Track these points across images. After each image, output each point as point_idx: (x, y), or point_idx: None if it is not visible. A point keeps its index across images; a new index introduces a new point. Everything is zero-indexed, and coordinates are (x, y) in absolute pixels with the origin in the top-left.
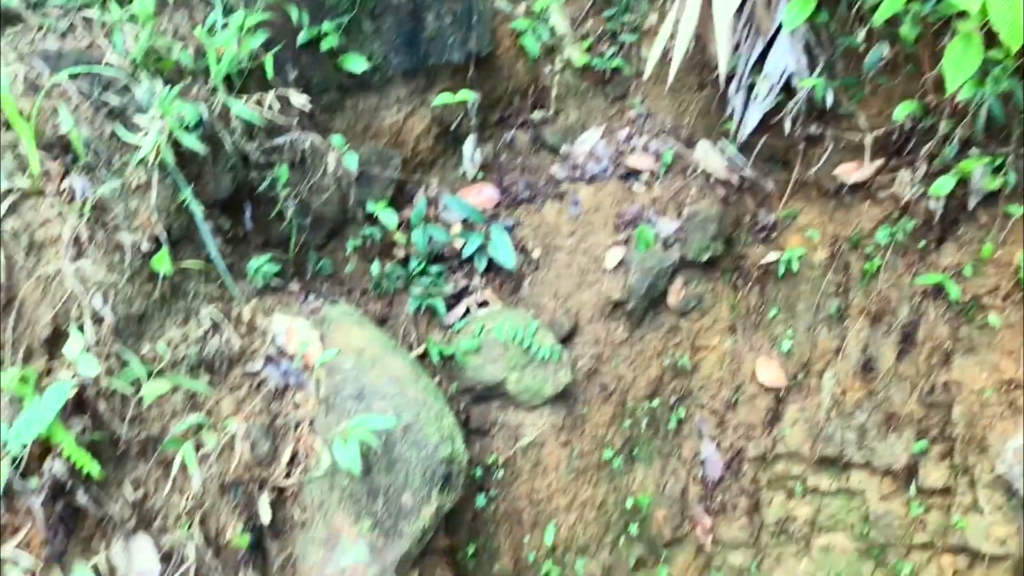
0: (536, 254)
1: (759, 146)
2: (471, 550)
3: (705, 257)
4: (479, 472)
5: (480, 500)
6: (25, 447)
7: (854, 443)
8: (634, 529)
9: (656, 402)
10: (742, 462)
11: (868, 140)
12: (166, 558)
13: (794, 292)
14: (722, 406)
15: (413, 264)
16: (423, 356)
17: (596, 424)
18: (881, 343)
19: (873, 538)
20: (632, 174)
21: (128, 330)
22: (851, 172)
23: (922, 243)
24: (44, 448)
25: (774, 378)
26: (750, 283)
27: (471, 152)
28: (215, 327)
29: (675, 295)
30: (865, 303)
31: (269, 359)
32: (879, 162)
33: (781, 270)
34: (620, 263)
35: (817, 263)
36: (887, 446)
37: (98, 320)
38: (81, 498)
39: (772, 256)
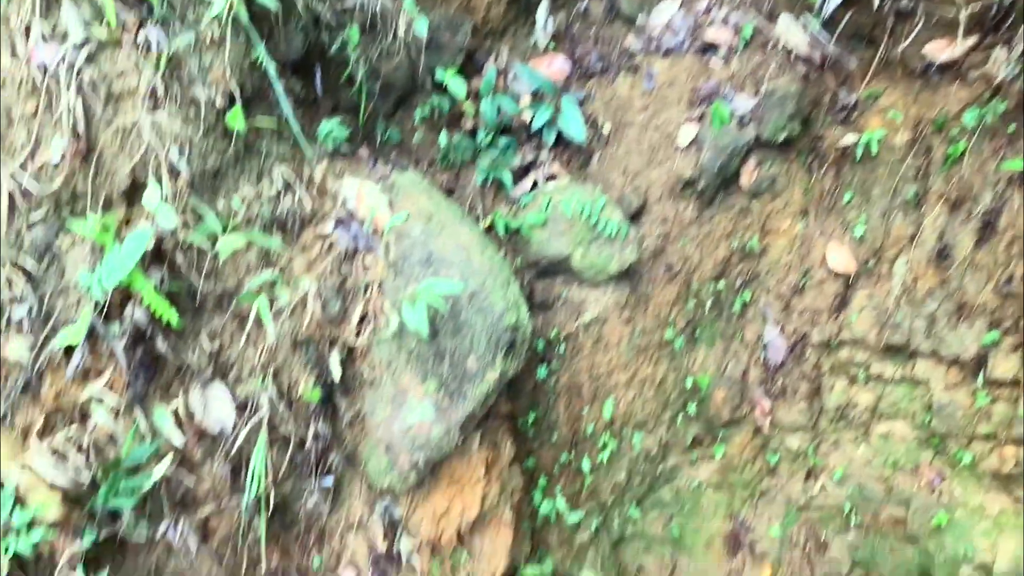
0: (606, 129)
1: (844, 21)
2: (531, 418)
3: (781, 137)
4: (541, 345)
5: (541, 372)
6: (107, 293)
7: (922, 331)
8: (692, 408)
9: (722, 284)
10: (805, 347)
11: (963, 15)
12: (241, 407)
13: (871, 176)
14: (789, 291)
15: (481, 135)
16: (489, 229)
17: (660, 303)
18: (959, 230)
19: (935, 427)
20: (710, 48)
21: (203, 185)
22: (941, 50)
23: (1012, 127)
24: (125, 296)
25: (844, 264)
26: (826, 166)
27: (543, 20)
28: (287, 187)
29: (748, 176)
30: (945, 189)
31: (339, 221)
32: (972, 39)
33: (859, 153)
34: (693, 141)
35: (897, 146)
36: (956, 336)
37: (175, 173)
38: (160, 345)
39: (851, 138)
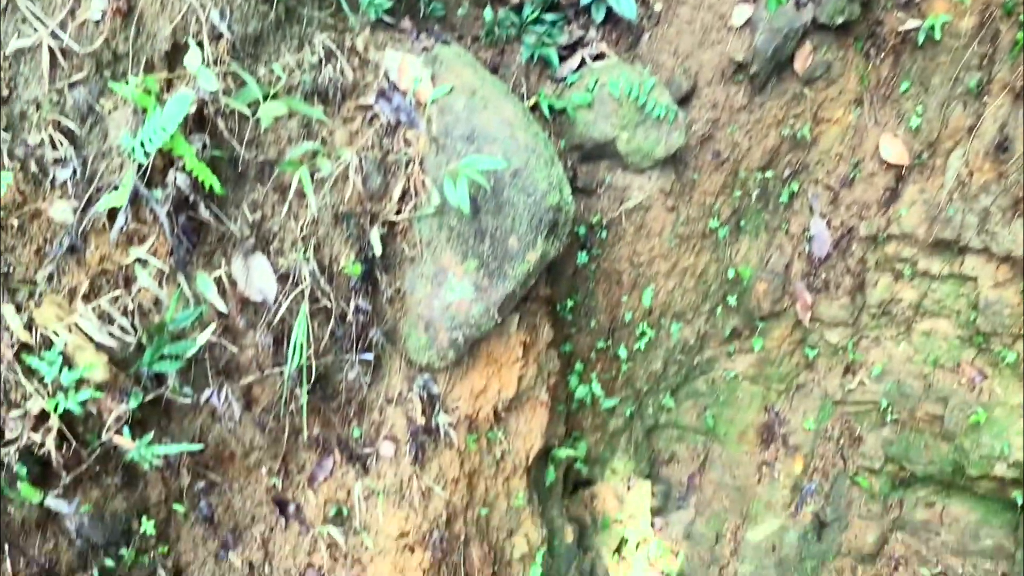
0: (658, 7)
1: None
2: (570, 304)
3: (839, 20)
4: (582, 230)
5: (582, 258)
6: (150, 156)
7: (974, 227)
8: (732, 300)
9: (770, 174)
10: (851, 241)
11: None
12: (283, 279)
13: (931, 64)
14: (838, 182)
15: (527, 11)
16: (533, 109)
17: (705, 192)
18: (1022, 122)
19: (979, 325)
20: None
21: (244, 51)
22: None
23: None
24: (167, 161)
25: (897, 155)
26: (884, 52)
27: None
28: (329, 55)
29: (802, 61)
30: (1010, 78)
31: (381, 93)
32: None
33: (921, 38)
34: (747, 22)
35: (962, 31)
36: (1010, 232)
37: (216, 36)
38: (203, 212)
39: (913, 23)
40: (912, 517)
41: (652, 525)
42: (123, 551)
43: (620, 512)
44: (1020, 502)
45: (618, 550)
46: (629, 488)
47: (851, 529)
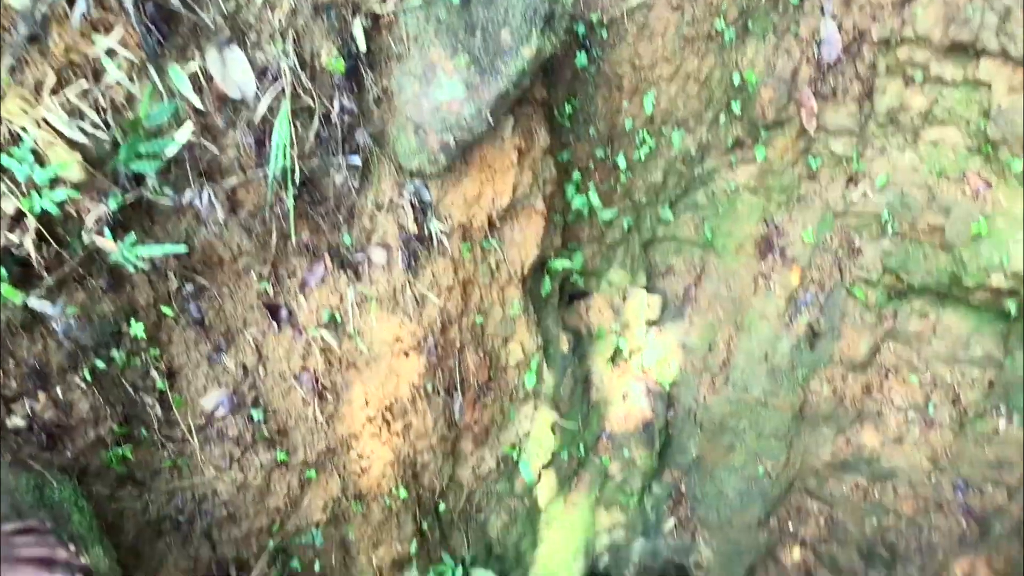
0: None
1: None
2: (568, 110)
3: None
4: (582, 29)
5: (581, 59)
6: None
7: (993, 27)
8: (736, 107)
9: None
10: (862, 45)
11: None
12: (262, 74)
13: None
14: None
15: None
16: None
17: None
18: None
19: (989, 133)
20: None
21: None
22: None
23: None
24: None
25: None
26: None
27: None
28: None
29: None
30: None
31: None
32: None
33: None
34: None
35: None
36: None
37: None
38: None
39: None
40: (905, 327)
41: (647, 335)
42: (114, 353)
43: (615, 322)
44: (1013, 312)
45: (612, 359)
46: (625, 299)
47: (844, 339)
